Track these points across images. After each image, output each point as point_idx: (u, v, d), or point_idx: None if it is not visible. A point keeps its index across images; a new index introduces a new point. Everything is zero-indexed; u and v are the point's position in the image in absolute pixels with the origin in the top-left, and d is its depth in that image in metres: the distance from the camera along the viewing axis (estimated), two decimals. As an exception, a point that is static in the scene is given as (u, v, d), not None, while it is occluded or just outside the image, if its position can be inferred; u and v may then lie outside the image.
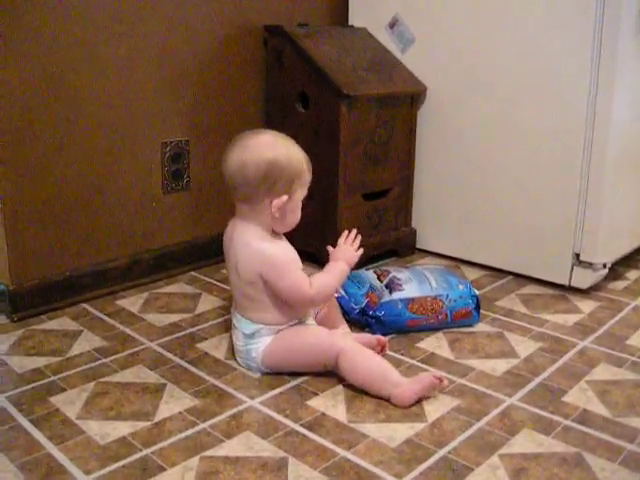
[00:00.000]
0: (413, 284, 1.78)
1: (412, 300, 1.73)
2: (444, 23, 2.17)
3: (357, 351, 1.47)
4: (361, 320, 1.76)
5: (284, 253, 1.52)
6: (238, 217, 1.54)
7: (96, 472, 1.19)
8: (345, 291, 1.78)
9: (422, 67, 2.25)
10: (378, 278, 1.83)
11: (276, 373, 1.54)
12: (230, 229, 1.56)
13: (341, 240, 1.62)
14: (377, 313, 1.73)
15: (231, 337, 1.64)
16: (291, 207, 1.51)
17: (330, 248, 1.62)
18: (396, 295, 1.74)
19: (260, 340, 1.53)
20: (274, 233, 1.54)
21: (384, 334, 1.67)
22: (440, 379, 1.44)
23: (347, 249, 1.60)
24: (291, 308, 1.53)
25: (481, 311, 1.82)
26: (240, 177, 1.47)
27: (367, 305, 1.76)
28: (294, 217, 1.54)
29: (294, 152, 1.50)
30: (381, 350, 1.61)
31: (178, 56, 2.05)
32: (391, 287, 1.77)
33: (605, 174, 1.92)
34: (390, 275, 1.81)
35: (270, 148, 1.47)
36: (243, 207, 1.52)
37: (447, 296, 1.76)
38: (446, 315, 1.75)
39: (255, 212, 1.50)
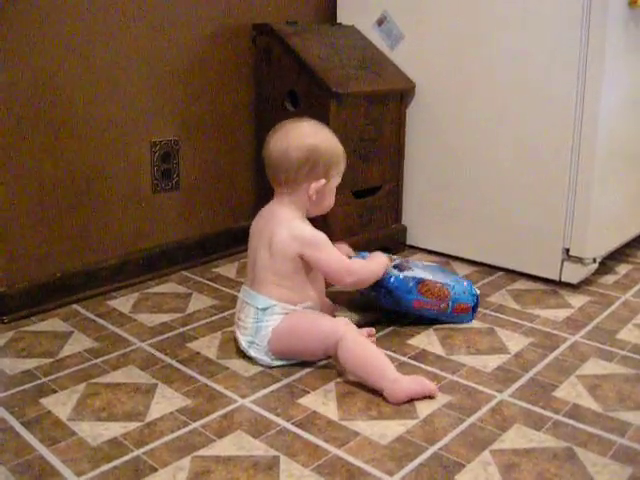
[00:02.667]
0: (420, 270, 1.79)
1: (423, 281, 1.74)
2: (432, 19, 2.18)
3: (357, 340, 1.49)
4: (369, 292, 1.77)
5: (319, 232, 1.59)
6: (276, 201, 1.62)
7: (88, 473, 1.19)
8: None
9: (411, 64, 2.26)
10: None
11: (269, 369, 1.54)
12: (266, 211, 1.63)
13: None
14: (389, 284, 1.73)
15: (223, 335, 1.66)
16: (327, 192, 1.62)
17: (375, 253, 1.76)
18: (408, 273, 1.75)
19: (272, 318, 1.54)
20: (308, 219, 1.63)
21: (386, 310, 1.75)
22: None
23: (384, 263, 1.72)
24: (314, 289, 1.60)
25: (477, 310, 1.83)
26: (282, 161, 1.56)
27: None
28: (329, 202, 1.65)
29: (333, 140, 1.61)
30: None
31: (167, 55, 2.04)
32: (400, 268, 1.77)
33: (594, 169, 1.93)
34: (398, 260, 1.82)
35: (312, 135, 1.58)
36: (283, 190, 1.60)
37: (453, 287, 1.77)
38: (448, 305, 1.76)
39: (294, 195, 1.59)
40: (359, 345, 1.48)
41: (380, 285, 1.73)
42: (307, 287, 1.59)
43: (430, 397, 1.44)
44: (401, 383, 1.42)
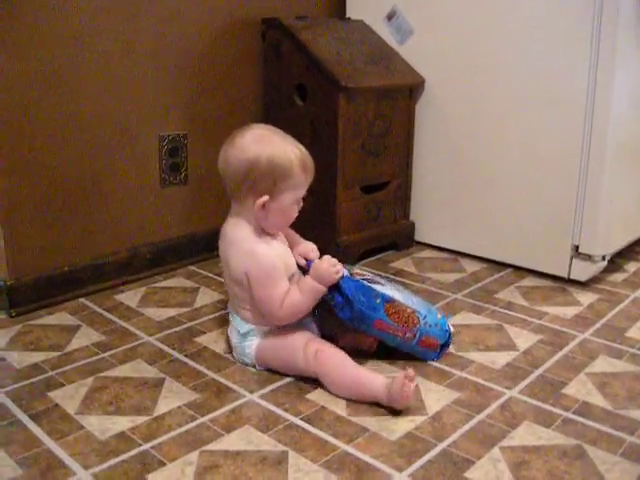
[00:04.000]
0: (393, 290, 1.57)
1: (392, 301, 1.52)
2: (442, 14, 2.17)
3: (330, 375, 1.42)
4: (325, 295, 1.49)
5: (272, 258, 1.46)
6: (230, 214, 1.53)
7: (96, 467, 1.19)
8: None
9: (420, 59, 2.25)
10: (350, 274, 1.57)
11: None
12: (224, 226, 1.54)
13: (325, 257, 1.50)
14: (351, 295, 1.46)
15: (230, 331, 1.65)
16: (277, 208, 1.46)
17: (316, 261, 1.51)
18: (377, 287, 1.53)
19: (253, 339, 1.52)
20: (267, 232, 1.50)
21: (342, 321, 1.49)
22: (409, 377, 1.34)
23: (328, 270, 1.45)
24: None
25: (477, 307, 1.82)
26: (225, 174, 1.48)
27: (344, 278, 1.49)
28: (282, 219, 1.50)
29: (281, 152, 1.44)
30: (370, 345, 1.58)
31: (176, 49, 2.04)
32: (370, 280, 1.56)
33: (604, 166, 1.92)
34: (368, 276, 1.60)
35: (254, 147, 1.44)
36: (233, 203, 1.51)
37: (425, 316, 1.55)
38: (414, 335, 1.53)
39: (242, 209, 1.48)
40: (335, 382, 1.42)
41: (340, 290, 1.48)
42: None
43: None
44: (395, 397, 1.35)
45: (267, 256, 1.46)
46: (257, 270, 1.44)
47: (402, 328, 1.52)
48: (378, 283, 1.56)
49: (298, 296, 1.46)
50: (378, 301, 1.49)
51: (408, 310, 1.53)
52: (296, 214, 1.53)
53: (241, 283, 1.48)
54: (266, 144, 1.44)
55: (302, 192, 1.50)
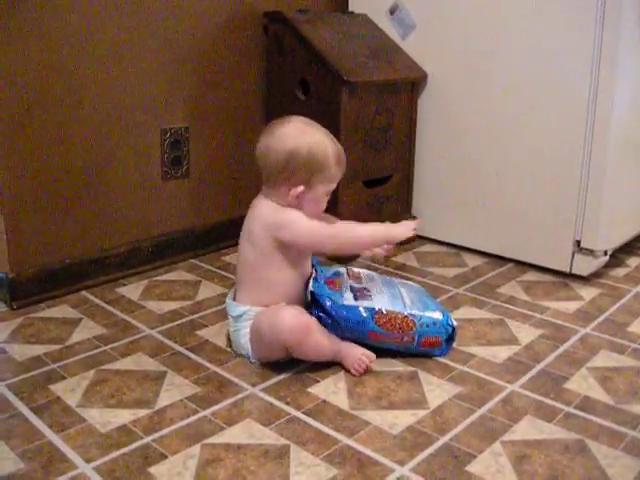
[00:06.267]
0: (384, 297, 1.57)
1: (380, 312, 1.51)
2: (445, 9, 2.16)
3: (298, 348, 1.47)
4: (310, 310, 1.54)
5: (293, 211, 1.52)
6: (260, 194, 1.57)
7: (97, 460, 1.19)
8: None
9: (423, 53, 2.24)
10: (347, 274, 1.65)
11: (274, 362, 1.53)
12: (252, 204, 1.58)
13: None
14: (335, 315, 1.50)
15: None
16: (310, 198, 1.51)
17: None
18: (362, 302, 1.53)
19: (246, 324, 1.51)
20: None
21: (340, 337, 1.52)
22: (364, 360, 1.49)
23: (405, 223, 1.59)
24: (287, 289, 1.53)
25: (477, 304, 1.82)
26: (263, 161, 1.52)
27: (322, 293, 1.53)
28: (314, 208, 1.54)
29: (319, 145, 1.49)
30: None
31: (178, 42, 2.03)
32: (357, 294, 1.56)
33: (606, 161, 1.92)
34: (362, 283, 1.62)
35: (294, 138, 1.48)
36: (266, 187, 1.55)
37: (420, 318, 1.53)
38: (413, 339, 1.53)
39: (274, 194, 1.53)
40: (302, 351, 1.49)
41: (322, 307, 1.51)
42: (287, 285, 1.53)
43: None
44: (348, 363, 1.50)
45: (285, 211, 1.51)
46: (286, 222, 1.49)
47: (398, 334, 1.52)
48: (366, 297, 1.55)
49: (355, 224, 1.58)
50: (365, 315, 1.51)
51: (400, 316, 1.52)
52: (325, 205, 1.57)
53: (259, 246, 1.51)
54: (306, 136, 1.50)
55: (334, 185, 1.56)
